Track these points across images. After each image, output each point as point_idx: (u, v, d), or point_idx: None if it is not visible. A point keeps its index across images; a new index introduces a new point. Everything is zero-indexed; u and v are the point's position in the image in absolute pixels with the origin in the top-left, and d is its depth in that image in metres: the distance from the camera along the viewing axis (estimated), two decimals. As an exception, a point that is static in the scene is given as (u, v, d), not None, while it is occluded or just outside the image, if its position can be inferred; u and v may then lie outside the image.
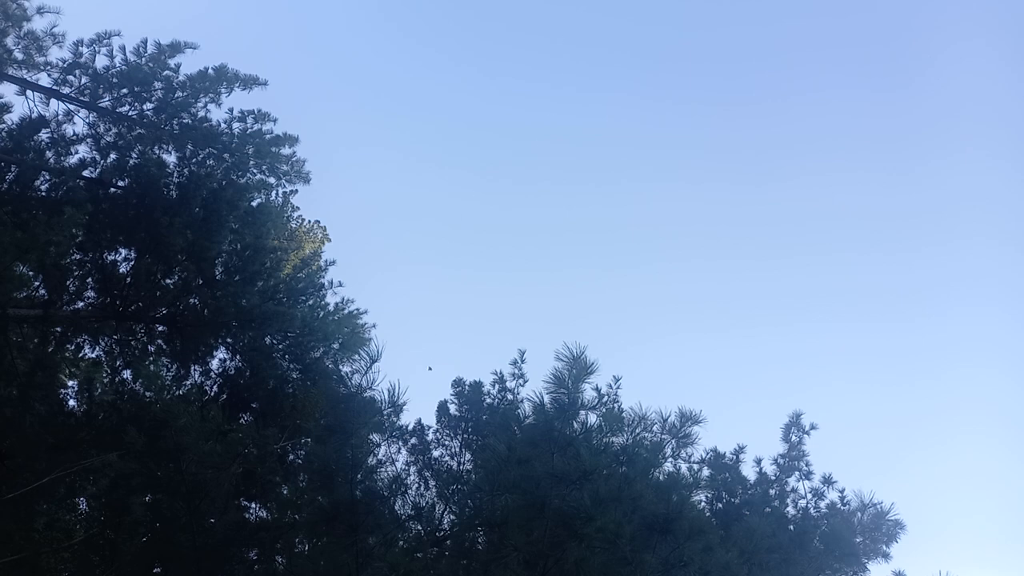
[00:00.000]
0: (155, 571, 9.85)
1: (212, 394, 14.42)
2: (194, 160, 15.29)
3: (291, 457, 12.30)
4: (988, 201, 29.64)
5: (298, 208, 19.33)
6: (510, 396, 12.87)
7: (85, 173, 14.62)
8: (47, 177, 14.18)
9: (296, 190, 17.67)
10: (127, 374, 14.30)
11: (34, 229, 12.32)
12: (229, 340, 14.65)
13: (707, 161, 33.92)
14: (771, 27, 32.70)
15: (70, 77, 14.72)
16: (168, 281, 14.76)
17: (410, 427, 12.83)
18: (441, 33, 34.88)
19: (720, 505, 11.97)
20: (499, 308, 34.28)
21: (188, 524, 8.69)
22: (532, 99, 34.26)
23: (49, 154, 14.42)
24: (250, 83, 15.50)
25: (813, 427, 12.80)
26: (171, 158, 15.19)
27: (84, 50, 14.80)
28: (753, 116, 33.97)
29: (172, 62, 15.12)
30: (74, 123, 14.94)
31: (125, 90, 14.89)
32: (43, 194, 14.02)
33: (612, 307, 33.82)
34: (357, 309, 16.06)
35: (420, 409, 15.10)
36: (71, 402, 13.38)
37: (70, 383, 14.11)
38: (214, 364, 14.79)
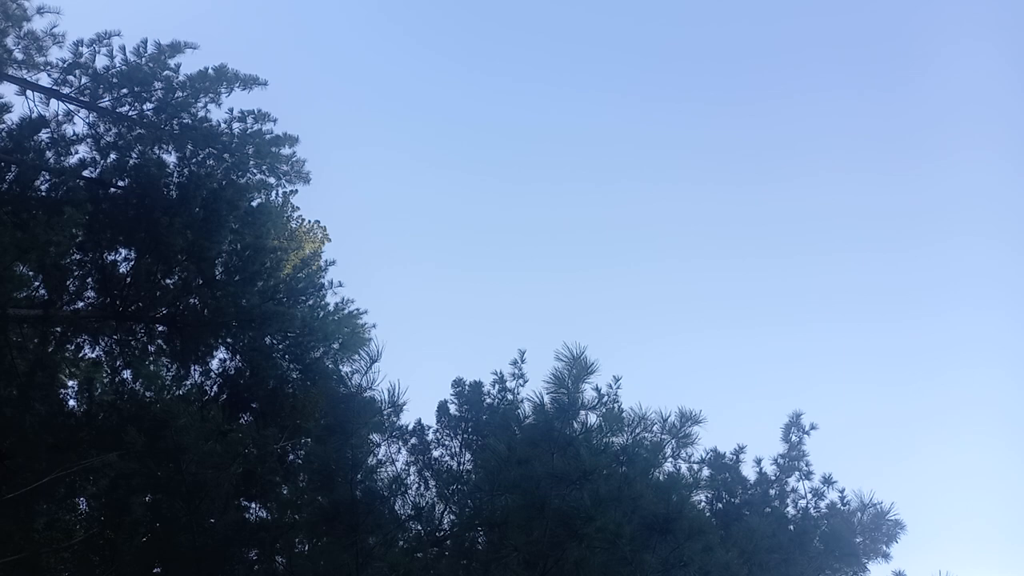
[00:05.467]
0: (155, 571, 9.84)
1: (212, 394, 14.42)
2: (194, 160, 15.30)
3: (291, 457, 12.30)
4: (988, 201, 29.67)
5: (298, 208, 19.35)
6: (510, 396, 12.87)
7: (85, 173, 14.62)
8: (47, 177, 14.17)
9: (296, 190, 17.70)
10: (127, 374, 14.31)
11: (34, 229, 12.32)
12: (229, 340, 14.65)
13: (707, 161, 33.95)
14: (771, 27, 32.72)
15: (70, 77, 14.73)
16: (168, 281, 14.76)
17: (410, 427, 12.84)
18: (441, 33, 34.90)
19: (720, 505, 11.97)
20: (499, 308, 34.31)
21: (188, 524, 8.68)
22: (531, 99, 34.29)
23: (49, 154, 14.42)
24: (250, 83, 15.50)
25: (813, 427, 12.80)
26: (171, 158, 15.22)
27: (84, 50, 14.80)
28: (753, 116, 33.99)
29: (172, 62, 15.13)
30: (74, 123, 14.97)
31: (125, 90, 14.89)
32: (43, 194, 14.01)
33: (612, 307, 33.84)
34: (357, 309, 16.08)
35: (420, 409, 15.13)
36: (71, 402, 13.39)
37: (70, 383, 14.11)
38: (214, 364, 14.81)
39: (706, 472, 12.05)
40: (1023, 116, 31.16)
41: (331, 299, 15.97)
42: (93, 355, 14.56)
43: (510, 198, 35.65)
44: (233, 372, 14.60)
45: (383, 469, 10.84)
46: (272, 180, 16.22)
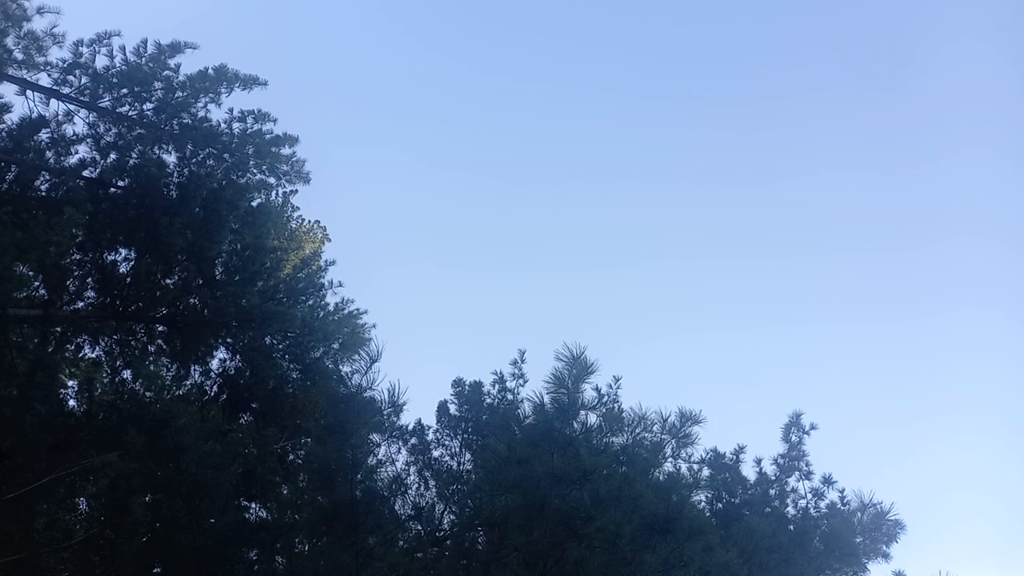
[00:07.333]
0: (155, 571, 9.85)
1: (212, 394, 14.42)
2: (194, 160, 15.30)
3: (291, 457, 12.30)
4: (988, 201, 29.67)
5: (298, 208, 19.35)
6: (510, 396, 12.87)
7: (85, 173, 14.61)
8: (47, 177, 14.17)
9: (296, 190, 17.70)
10: (127, 374, 14.30)
11: (34, 229, 12.32)
12: (229, 340, 14.65)
13: (707, 161, 33.95)
14: (771, 27, 32.73)
15: (70, 77, 14.72)
16: (168, 281, 14.76)
17: (410, 427, 12.84)
18: (441, 33, 34.91)
19: (720, 505, 11.97)
20: (499, 308, 34.31)
21: (188, 524, 8.68)
22: (531, 99, 34.29)
23: (49, 154, 14.42)
24: (250, 83, 15.50)
25: (813, 427, 12.80)
26: (171, 158, 15.22)
27: (84, 50, 14.80)
28: (753, 116, 33.99)
29: (172, 62, 15.13)
30: (74, 123, 14.97)
31: (125, 90, 14.89)
32: (43, 194, 14.01)
33: (612, 307, 33.84)
34: (357, 309, 16.08)
35: (420, 409, 15.13)
36: (71, 402, 13.39)
37: (70, 383, 14.10)
38: (214, 364, 14.81)
39: (706, 472, 12.04)
40: (1023, 116, 31.18)
41: (331, 299, 15.99)
42: (93, 355, 14.56)
43: (510, 198, 35.68)
44: (233, 372, 14.60)
45: (383, 469, 10.85)
46: (272, 180, 16.24)
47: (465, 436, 12.78)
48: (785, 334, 33.46)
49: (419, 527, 9.36)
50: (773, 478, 12.59)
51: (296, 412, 13.35)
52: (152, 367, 14.28)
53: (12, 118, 14.20)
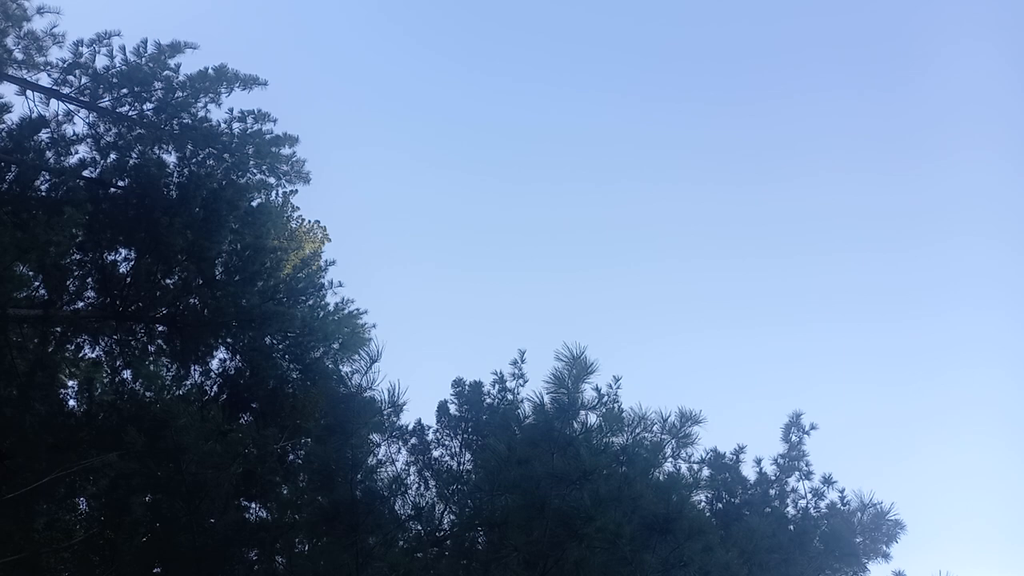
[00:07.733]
0: (155, 571, 9.85)
1: (212, 394, 14.42)
2: (194, 160, 15.30)
3: (291, 457, 12.30)
4: (988, 201, 29.68)
5: (298, 208, 19.35)
6: (510, 396, 12.87)
7: (85, 173, 14.62)
8: (47, 177, 14.17)
9: (296, 190, 17.70)
10: (127, 374, 14.30)
11: (34, 229, 12.32)
12: (229, 340, 14.65)
13: (707, 161, 33.95)
14: (771, 27, 32.73)
15: (70, 77, 14.72)
16: (168, 281, 14.76)
17: (410, 427, 12.84)
18: (441, 33, 34.91)
19: (720, 505, 11.97)
20: (499, 308, 34.31)
21: (188, 524, 8.68)
22: (531, 99, 34.30)
23: (49, 154, 14.42)
24: (250, 83, 15.50)
25: (813, 427, 12.80)
26: (171, 158, 15.22)
27: (84, 50, 14.80)
28: (753, 116, 33.99)
29: (172, 62, 15.13)
30: (74, 123, 14.97)
31: (125, 90, 14.89)
32: (43, 194, 14.01)
33: (612, 307, 33.85)
34: (357, 309, 16.08)
35: (420, 409, 15.13)
36: (71, 402, 13.39)
37: (70, 383, 14.10)
38: (214, 364, 14.81)
39: (706, 472, 12.04)
40: (1023, 116, 31.18)
41: (331, 299, 16.00)
42: (93, 355, 14.56)
43: (510, 198, 35.68)
44: (233, 372, 14.60)
45: (383, 469, 10.84)
46: (272, 180, 16.24)
47: (465, 436, 12.78)
48: (785, 334, 33.49)
49: (419, 527, 9.36)
50: (773, 478, 12.59)
51: (296, 412, 13.35)
52: (152, 367, 14.28)
53: (12, 118, 14.22)
